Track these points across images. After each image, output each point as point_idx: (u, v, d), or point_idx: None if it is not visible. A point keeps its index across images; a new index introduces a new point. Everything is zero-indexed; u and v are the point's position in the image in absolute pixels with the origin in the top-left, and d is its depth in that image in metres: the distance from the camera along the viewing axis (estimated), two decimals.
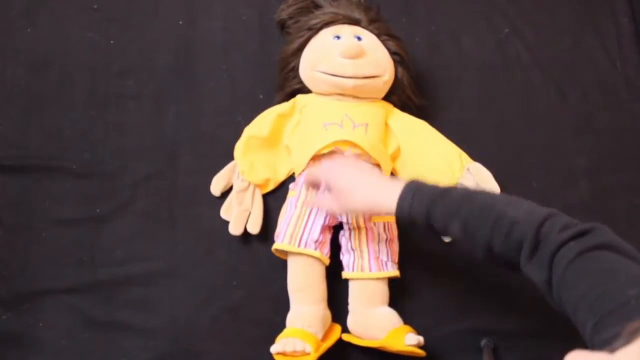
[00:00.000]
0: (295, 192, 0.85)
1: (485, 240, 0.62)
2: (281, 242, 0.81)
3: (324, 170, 0.77)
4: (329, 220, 0.83)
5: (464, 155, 0.90)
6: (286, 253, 0.82)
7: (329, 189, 0.75)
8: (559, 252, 0.56)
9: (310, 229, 0.81)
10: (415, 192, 0.66)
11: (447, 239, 0.90)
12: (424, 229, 0.67)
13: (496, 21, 1.05)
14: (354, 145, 0.84)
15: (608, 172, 0.98)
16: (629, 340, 0.33)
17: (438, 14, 1.04)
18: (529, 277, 0.60)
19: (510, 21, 1.05)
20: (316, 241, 0.81)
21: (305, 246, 0.80)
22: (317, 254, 0.80)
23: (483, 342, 0.86)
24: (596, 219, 0.93)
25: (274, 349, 0.74)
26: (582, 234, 0.57)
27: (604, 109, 1.02)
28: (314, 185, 0.81)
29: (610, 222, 0.97)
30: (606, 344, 0.45)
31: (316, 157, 0.86)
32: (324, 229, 0.82)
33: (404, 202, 0.66)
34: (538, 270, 0.58)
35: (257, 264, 0.88)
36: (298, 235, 0.81)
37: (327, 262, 0.82)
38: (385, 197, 0.68)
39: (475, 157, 0.91)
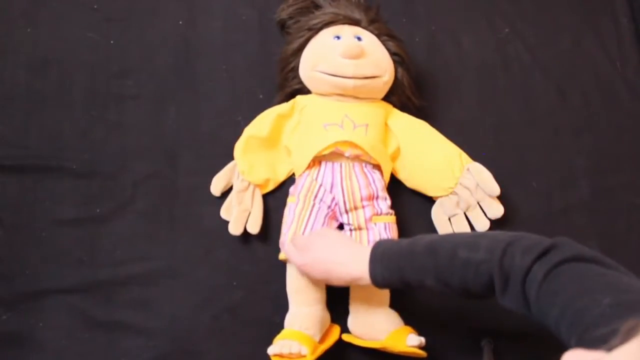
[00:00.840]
0: (294, 198, 0.84)
1: (459, 287, 0.64)
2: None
3: (297, 264, 0.77)
4: (327, 225, 0.83)
5: (464, 155, 0.90)
6: None
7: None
8: (527, 278, 0.57)
9: None
10: (381, 261, 0.69)
11: None
12: (405, 289, 0.70)
13: (496, 21, 1.05)
14: (355, 146, 0.84)
15: (608, 172, 0.98)
16: (626, 338, 0.33)
17: (438, 14, 1.04)
18: (510, 309, 0.61)
19: (510, 21, 1.05)
20: None
21: None
22: None
23: (483, 342, 0.86)
24: (596, 219, 0.94)
25: (270, 351, 0.74)
26: (544, 254, 0.57)
27: (604, 109, 1.02)
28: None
29: (610, 222, 0.98)
30: (598, 343, 0.45)
31: (317, 158, 0.86)
32: None
33: (376, 275, 0.69)
34: (514, 301, 0.59)
35: (257, 264, 0.88)
36: None
37: None
38: (359, 273, 0.70)
39: (475, 157, 0.91)
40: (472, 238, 0.65)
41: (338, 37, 0.86)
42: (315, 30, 0.87)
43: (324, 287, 0.82)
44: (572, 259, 0.55)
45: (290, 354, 0.73)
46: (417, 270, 0.66)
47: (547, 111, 1.01)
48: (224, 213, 0.87)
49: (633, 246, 0.94)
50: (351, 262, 0.71)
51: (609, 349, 0.34)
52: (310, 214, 0.83)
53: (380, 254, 0.69)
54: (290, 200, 0.85)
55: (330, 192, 0.84)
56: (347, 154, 0.85)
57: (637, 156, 0.99)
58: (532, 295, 0.56)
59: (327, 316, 0.82)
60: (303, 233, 0.81)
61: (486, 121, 0.99)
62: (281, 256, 0.83)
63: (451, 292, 0.66)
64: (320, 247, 0.74)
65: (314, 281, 0.79)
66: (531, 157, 0.97)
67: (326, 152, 0.84)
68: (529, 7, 1.07)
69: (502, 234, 0.63)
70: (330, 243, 0.74)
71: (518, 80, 1.02)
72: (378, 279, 0.69)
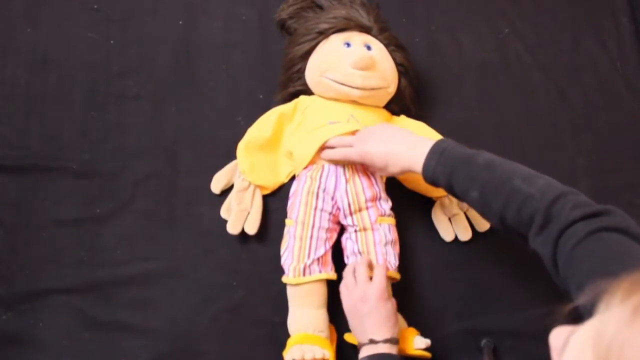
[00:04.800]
0: (292, 221, 0.83)
1: (498, 212, 0.64)
2: (287, 276, 0.81)
3: (358, 153, 0.78)
4: (329, 244, 0.83)
5: None
6: None
7: (361, 162, 0.79)
8: (567, 230, 0.57)
9: (313, 258, 0.81)
10: (440, 156, 0.70)
11: (448, 239, 0.90)
12: (447, 191, 0.71)
13: (496, 21, 1.05)
14: None
15: (608, 172, 0.98)
16: (592, 299, 0.34)
17: (438, 14, 1.04)
18: (536, 250, 0.62)
19: (510, 21, 1.05)
20: (319, 264, 0.81)
21: (311, 273, 0.80)
22: (323, 276, 0.81)
23: (483, 342, 0.86)
24: None
25: (290, 356, 0.74)
26: (594, 215, 0.57)
27: (604, 109, 1.02)
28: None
29: None
30: None
31: (320, 159, 0.85)
32: (325, 253, 0.82)
33: (429, 166, 0.71)
34: (544, 245, 0.60)
35: (257, 264, 0.88)
36: (301, 266, 0.80)
37: (334, 277, 0.82)
38: (414, 161, 0.72)
39: None
40: (531, 173, 0.65)
41: (348, 44, 0.85)
42: (326, 35, 0.86)
43: (326, 289, 0.82)
44: (618, 229, 0.56)
45: (314, 359, 0.73)
46: (468, 178, 0.67)
47: (547, 111, 1.01)
48: (223, 213, 0.87)
49: None
50: (407, 152, 0.74)
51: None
52: (311, 237, 0.82)
53: (442, 150, 0.71)
54: (289, 224, 0.84)
55: (332, 197, 0.83)
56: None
57: (637, 156, 0.99)
58: (567, 247, 0.56)
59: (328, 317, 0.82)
60: (308, 256, 0.81)
61: (486, 121, 0.99)
62: (284, 280, 0.81)
63: (487, 213, 0.67)
64: (380, 139, 0.77)
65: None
66: (531, 157, 0.97)
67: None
68: (529, 7, 1.07)
69: (559, 183, 0.64)
70: (389, 135, 0.77)
71: (518, 80, 1.02)
72: (429, 171, 0.71)
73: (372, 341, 0.72)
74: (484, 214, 0.69)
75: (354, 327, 0.76)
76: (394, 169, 0.76)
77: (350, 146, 0.80)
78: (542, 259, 0.61)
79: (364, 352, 0.72)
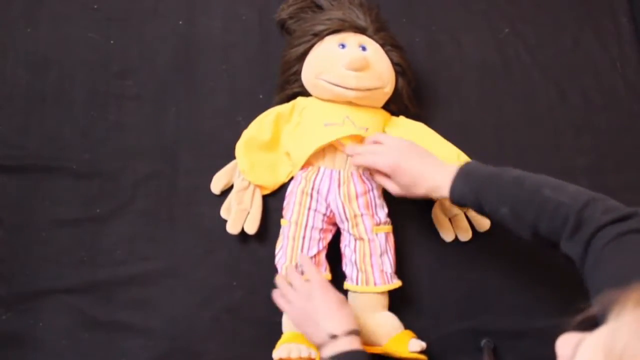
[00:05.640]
0: (286, 221, 0.84)
1: (531, 223, 0.65)
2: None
3: (387, 163, 0.78)
4: (322, 245, 0.83)
5: (462, 155, 0.90)
6: None
7: (388, 175, 0.79)
8: (598, 234, 0.59)
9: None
10: (466, 177, 0.71)
11: (448, 239, 0.90)
12: (476, 211, 0.72)
13: (496, 21, 1.05)
14: (361, 139, 0.84)
15: (608, 172, 0.97)
16: (604, 309, 0.34)
17: (438, 14, 1.04)
18: (567, 254, 0.63)
19: (510, 21, 1.05)
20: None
21: (302, 272, 0.80)
22: None
23: (483, 342, 0.86)
24: None
25: (277, 355, 0.74)
26: (623, 219, 0.59)
27: (604, 109, 1.01)
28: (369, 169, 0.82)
29: None
30: None
31: (315, 159, 0.86)
32: (318, 252, 0.82)
33: (455, 188, 0.72)
34: (575, 248, 0.61)
35: (257, 264, 0.88)
36: (292, 265, 0.81)
37: (329, 277, 0.82)
38: (441, 184, 0.73)
39: (475, 157, 0.90)
40: (559, 182, 0.67)
41: (343, 46, 0.85)
42: (320, 36, 0.86)
43: None
44: None
45: (300, 357, 0.73)
46: (497, 196, 0.69)
47: (547, 111, 1.00)
48: (223, 213, 0.87)
49: None
50: (435, 174, 0.74)
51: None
52: (304, 237, 0.82)
53: (467, 172, 0.72)
54: (283, 224, 0.85)
55: (326, 199, 0.83)
56: (348, 151, 0.84)
57: (637, 156, 0.99)
58: (597, 248, 0.58)
59: None
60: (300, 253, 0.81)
61: (486, 121, 0.99)
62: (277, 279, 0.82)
63: (519, 227, 0.68)
64: (413, 157, 0.77)
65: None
66: (531, 157, 0.97)
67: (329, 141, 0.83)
68: (529, 7, 1.07)
69: (586, 189, 0.65)
70: (421, 155, 0.78)
71: (518, 80, 1.02)
72: (456, 193, 0.72)
73: (332, 336, 0.69)
74: (516, 229, 0.69)
75: (309, 333, 0.73)
76: (418, 189, 0.76)
77: (375, 154, 0.79)
78: (558, 262, 0.63)
79: (326, 352, 0.69)
